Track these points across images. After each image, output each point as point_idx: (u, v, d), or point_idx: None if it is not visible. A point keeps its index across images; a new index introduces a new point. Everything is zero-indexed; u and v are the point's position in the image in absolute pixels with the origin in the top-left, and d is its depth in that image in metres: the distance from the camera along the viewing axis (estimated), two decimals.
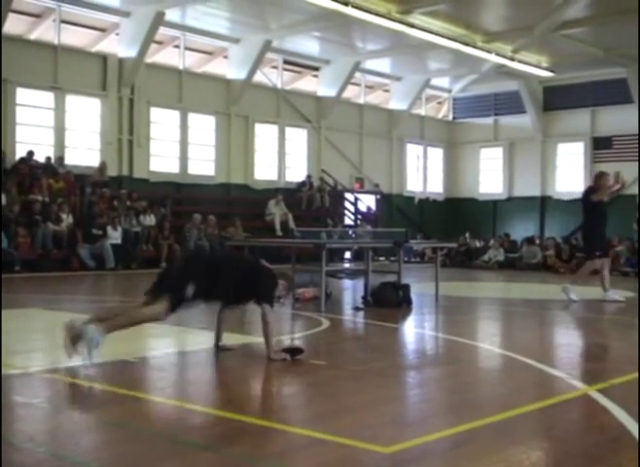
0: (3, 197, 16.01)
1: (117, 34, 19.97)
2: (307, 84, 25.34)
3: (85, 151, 19.62)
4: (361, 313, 9.66)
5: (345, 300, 11.58)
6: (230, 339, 6.56)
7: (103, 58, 19.81)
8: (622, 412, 4.41)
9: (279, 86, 23.94)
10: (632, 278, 16.49)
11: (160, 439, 3.93)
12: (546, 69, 24.43)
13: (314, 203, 23.49)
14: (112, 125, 19.78)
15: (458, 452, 3.74)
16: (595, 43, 22.32)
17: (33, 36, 19.28)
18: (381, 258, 19.30)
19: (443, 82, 28.38)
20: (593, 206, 11.28)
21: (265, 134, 23.73)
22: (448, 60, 24.51)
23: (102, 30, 20.28)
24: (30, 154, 17.90)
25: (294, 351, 6.06)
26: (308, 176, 24.22)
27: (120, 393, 4.88)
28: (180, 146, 21.55)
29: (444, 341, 7.66)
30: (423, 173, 29.17)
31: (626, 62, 23.75)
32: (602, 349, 7.44)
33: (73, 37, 19.68)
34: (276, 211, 21.35)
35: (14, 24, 18.21)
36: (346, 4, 17.52)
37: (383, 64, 25.44)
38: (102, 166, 19.05)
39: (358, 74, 25.49)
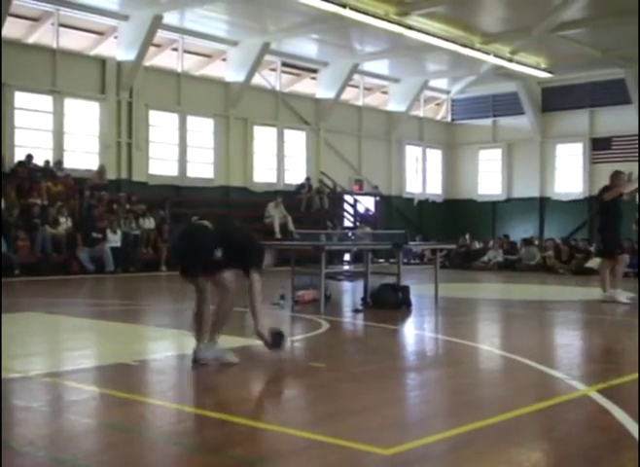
0: (3, 200, 16.01)
1: (115, 37, 19.99)
2: (306, 86, 25.35)
3: (83, 154, 19.63)
4: (360, 315, 9.65)
5: (345, 302, 11.58)
6: (230, 342, 6.54)
7: (102, 62, 19.83)
8: (623, 412, 4.41)
9: (278, 88, 23.96)
10: (632, 279, 16.48)
11: (160, 442, 3.93)
12: (544, 70, 24.45)
13: (313, 206, 23.49)
14: (111, 129, 19.79)
15: (459, 454, 3.74)
16: (593, 44, 22.35)
17: (31, 40, 19.29)
18: (381, 260, 19.30)
19: (441, 83, 28.42)
20: (608, 205, 11.23)
21: (263, 137, 23.74)
22: (447, 62, 24.55)
23: (100, 34, 20.29)
24: (29, 157, 17.91)
25: (276, 337, 6.09)
26: (307, 178, 24.23)
27: (119, 396, 4.88)
28: (179, 149, 21.56)
29: (444, 343, 7.66)
30: (422, 175, 29.18)
31: (624, 63, 23.79)
32: (602, 350, 7.44)
33: (71, 40, 19.69)
34: (275, 214, 21.35)
35: (12, 28, 18.21)
36: (344, 6, 17.53)
37: (381, 66, 25.46)
38: (101, 170, 19.06)
39: (356, 76, 25.51)
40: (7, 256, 15.09)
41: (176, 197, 21.11)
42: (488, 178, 29.21)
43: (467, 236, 24.21)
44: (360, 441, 3.83)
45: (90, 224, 17.19)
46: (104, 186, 18.79)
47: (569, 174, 27.30)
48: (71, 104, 19.34)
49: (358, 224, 24.34)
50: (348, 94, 26.20)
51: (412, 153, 28.85)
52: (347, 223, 24.80)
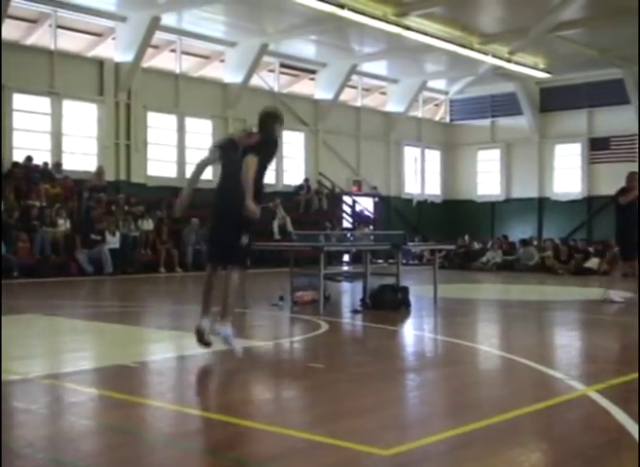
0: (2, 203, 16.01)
1: (113, 39, 19.99)
2: (304, 87, 25.35)
3: (82, 156, 19.62)
4: (359, 316, 9.65)
5: (344, 302, 11.58)
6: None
7: (100, 63, 19.82)
8: (622, 412, 4.41)
9: (276, 89, 23.95)
10: (631, 279, 16.47)
11: (160, 443, 3.93)
12: (542, 70, 24.47)
13: (312, 206, 23.49)
14: (109, 130, 19.79)
15: (458, 454, 3.74)
16: (591, 44, 22.36)
17: (29, 41, 19.28)
18: (380, 260, 19.30)
19: (439, 84, 28.42)
20: (625, 208, 11.08)
21: None
22: (445, 62, 24.55)
23: (98, 35, 20.29)
24: (29, 159, 17.91)
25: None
26: (306, 179, 24.23)
27: (119, 398, 4.87)
28: (177, 150, 21.56)
29: (443, 344, 7.66)
30: (421, 175, 29.19)
31: (623, 63, 23.80)
32: (601, 350, 7.44)
33: (69, 42, 19.69)
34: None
35: (10, 30, 18.20)
36: (342, 7, 17.54)
37: (380, 67, 25.47)
38: (99, 171, 19.04)
39: (355, 77, 25.53)
40: (6, 258, 15.07)
41: (175, 198, 20.99)
42: (487, 178, 29.22)
43: (466, 237, 24.21)
44: (359, 441, 3.83)
45: (89, 225, 17.18)
46: (103, 187, 18.77)
47: (568, 174, 27.31)
48: (69, 106, 19.34)
49: (357, 225, 24.37)
50: (347, 95, 26.20)
51: (411, 153, 28.87)
52: (346, 224, 24.79)
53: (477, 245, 23.51)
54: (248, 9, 19.22)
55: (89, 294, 13.76)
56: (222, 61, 22.61)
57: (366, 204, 26.11)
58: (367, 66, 25.01)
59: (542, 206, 27.67)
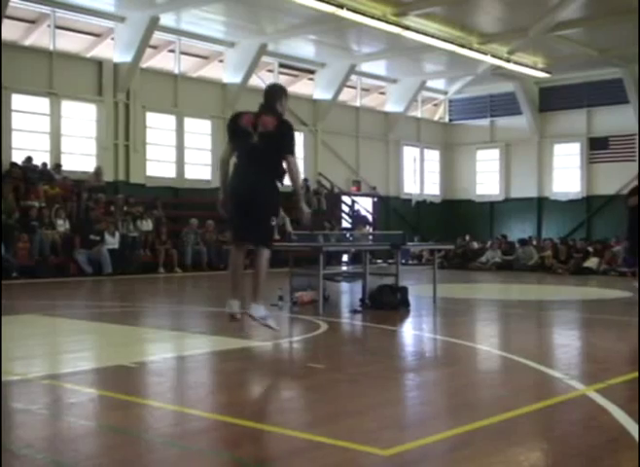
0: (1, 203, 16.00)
1: (112, 39, 19.99)
2: (303, 87, 25.35)
3: (81, 156, 19.62)
4: (359, 316, 9.65)
5: (343, 303, 11.58)
6: (229, 343, 6.56)
7: (98, 64, 19.82)
8: (621, 412, 4.41)
9: None
10: (630, 278, 16.48)
11: (159, 444, 3.92)
12: (541, 70, 24.47)
13: (311, 207, 23.46)
14: (108, 131, 19.78)
15: (457, 455, 3.74)
16: (590, 43, 22.38)
17: (28, 42, 19.28)
18: (379, 260, 19.29)
19: (438, 84, 28.43)
20: (634, 209, 10.98)
21: None
22: (444, 62, 24.56)
23: (97, 35, 20.29)
24: (29, 159, 17.91)
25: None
26: (305, 179, 24.18)
27: (118, 398, 4.87)
28: (176, 151, 21.56)
29: (443, 344, 7.66)
30: (420, 175, 29.20)
31: (622, 63, 23.82)
32: (600, 350, 7.44)
33: (68, 42, 19.68)
34: None
35: (8, 30, 18.18)
36: (341, 7, 17.53)
37: (379, 67, 25.48)
38: (98, 171, 19.04)
39: (354, 77, 25.54)
40: (5, 259, 15.07)
41: (174, 198, 21.08)
42: (486, 178, 29.24)
43: (467, 237, 24.20)
44: (359, 441, 3.83)
45: (88, 226, 17.18)
46: (101, 188, 18.77)
47: (567, 174, 27.33)
48: (68, 106, 19.34)
49: (356, 225, 24.36)
50: (346, 95, 26.21)
51: (410, 153, 28.88)
52: (345, 224, 24.79)
53: (476, 245, 23.51)
54: (247, 9, 19.22)
55: (89, 294, 13.76)
56: (221, 62, 22.61)
57: (365, 204, 26.12)
58: (366, 66, 25.02)
59: (541, 206, 27.69)
